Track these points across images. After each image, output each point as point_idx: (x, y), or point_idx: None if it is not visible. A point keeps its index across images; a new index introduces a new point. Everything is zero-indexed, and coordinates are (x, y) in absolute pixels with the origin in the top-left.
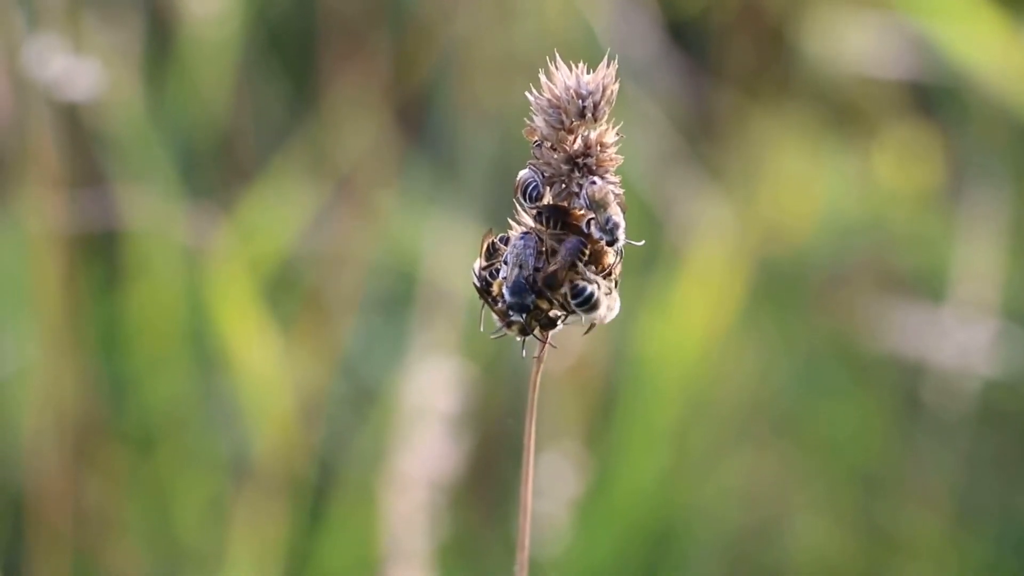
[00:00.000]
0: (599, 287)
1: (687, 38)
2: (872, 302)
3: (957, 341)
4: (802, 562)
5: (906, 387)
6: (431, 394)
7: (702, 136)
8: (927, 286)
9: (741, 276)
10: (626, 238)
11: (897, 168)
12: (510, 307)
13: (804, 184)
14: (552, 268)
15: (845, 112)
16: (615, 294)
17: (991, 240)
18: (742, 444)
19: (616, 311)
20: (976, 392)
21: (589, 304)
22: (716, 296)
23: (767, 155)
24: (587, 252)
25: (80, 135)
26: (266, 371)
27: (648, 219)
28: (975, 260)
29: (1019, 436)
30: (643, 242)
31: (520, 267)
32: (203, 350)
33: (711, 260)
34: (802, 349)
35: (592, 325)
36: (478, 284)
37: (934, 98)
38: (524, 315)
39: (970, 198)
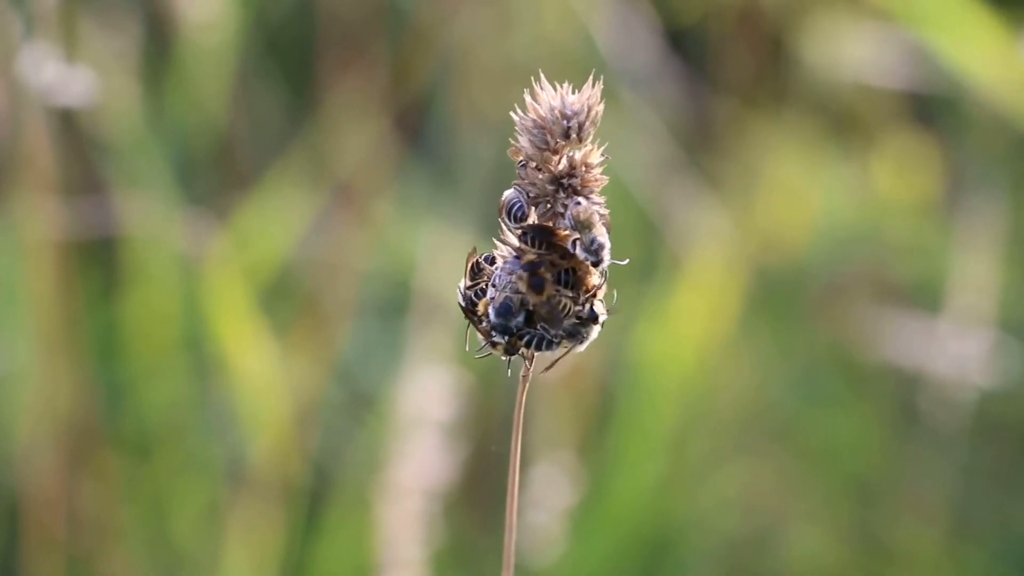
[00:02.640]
0: (554, 335)
1: (685, 46)
2: (869, 312)
3: (954, 352)
4: (798, 572)
5: (903, 397)
6: (427, 402)
7: (700, 145)
8: (924, 296)
9: (738, 285)
10: (611, 258)
11: (895, 178)
12: (494, 327)
13: (802, 193)
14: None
15: (843, 121)
16: (591, 327)
17: (988, 251)
18: (739, 453)
19: (593, 336)
20: (973, 403)
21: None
22: (713, 305)
23: (765, 164)
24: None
25: (77, 141)
26: (262, 377)
27: (646, 227)
28: (972, 271)
29: (1016, 447)
30: (627, 261)
31: (508, 291)
32: (199, 356)
33: (708, 269)
34: (799, 358)
35: (554, 362)
36: (463, 304)
37: (932, 108)
38: (507, 337)
39: (968, 208)
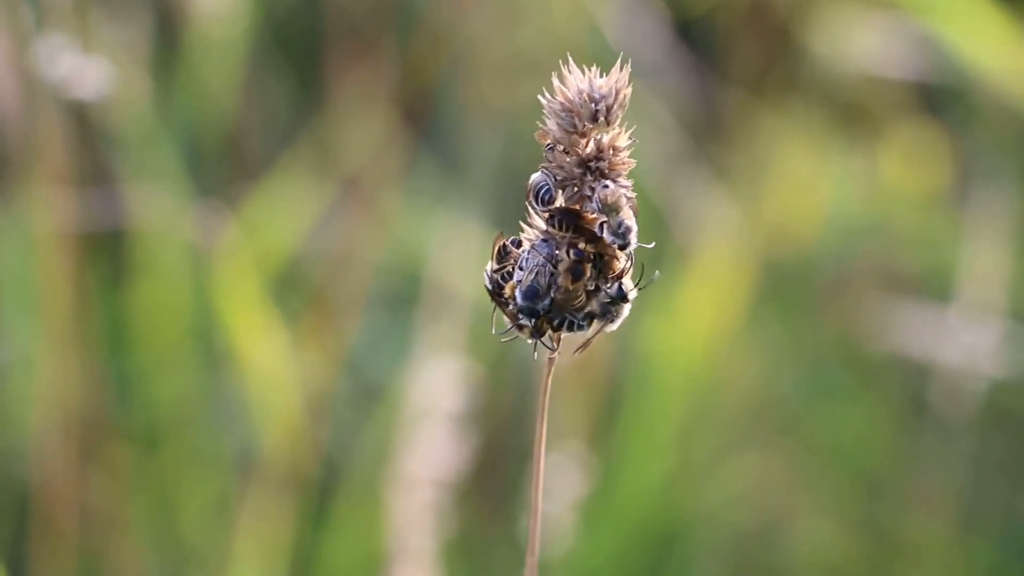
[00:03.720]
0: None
1: (694, 37)
2: (878, 303)
3: (963, 342)
4: (806, 565)
5: (912, 389)
6: (437, 393)
7: (708, 135)
8: (933, 287)
9: (747, 276)
10: (637, 242)
11: (903, 169)
12: (520, 311)
13: (810, 184)
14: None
15: (852, 112)
16: (622, 306)
17: (997, 241)
18: (747, 446)
19: (623, 316)
20: (982, 394)
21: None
22: (722, 296)
23: (773, 155)
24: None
25: (88, 133)
26: (272, 369)
27: (654, 218)
28: (981, 261)
29: None
30: (653, 244)
31: (536, 274)
32: (209, 348)
33: (717, 260)
34: (808, 350)
35: (587, 341)
36: (490, 287)
37: (941, 99)
38: (534, 320)
39: (976, 199)
